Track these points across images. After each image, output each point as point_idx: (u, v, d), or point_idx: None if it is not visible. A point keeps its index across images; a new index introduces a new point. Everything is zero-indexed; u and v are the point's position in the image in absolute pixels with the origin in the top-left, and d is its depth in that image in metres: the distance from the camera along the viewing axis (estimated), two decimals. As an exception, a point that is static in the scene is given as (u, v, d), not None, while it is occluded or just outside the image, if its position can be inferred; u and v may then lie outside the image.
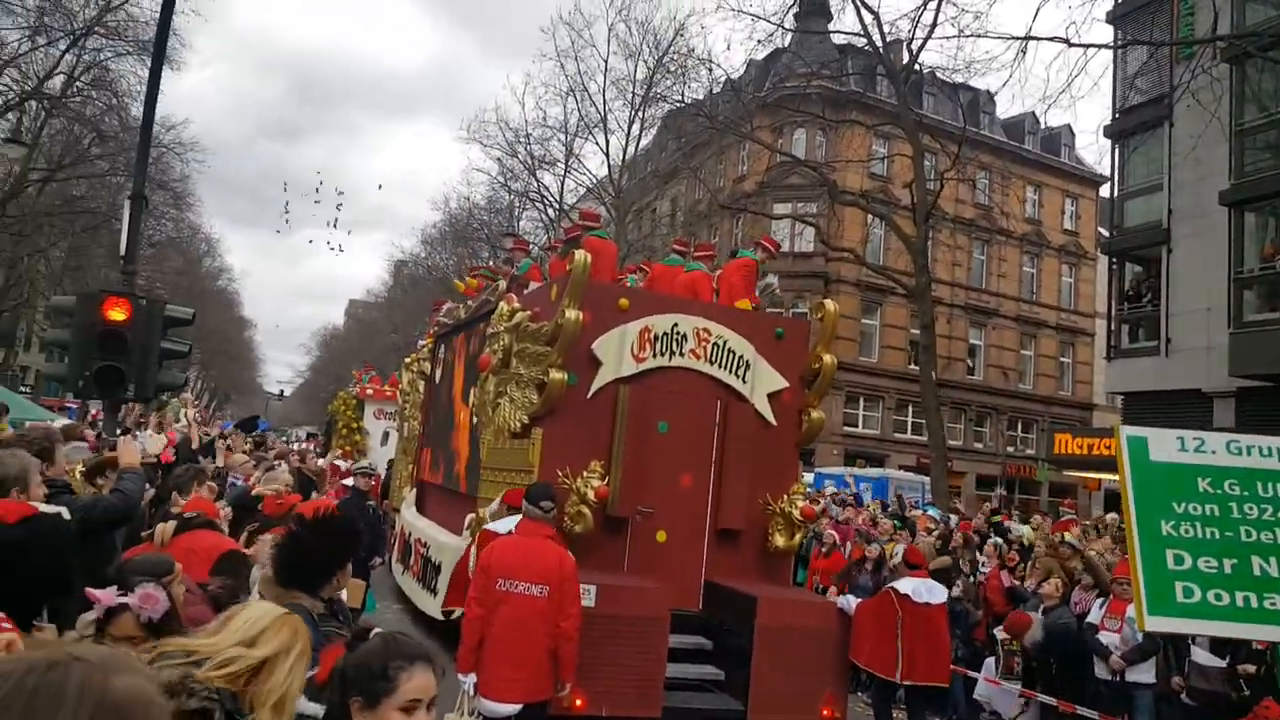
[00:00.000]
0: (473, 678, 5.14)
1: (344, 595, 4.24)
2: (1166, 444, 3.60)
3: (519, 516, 6.03)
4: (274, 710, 2.05)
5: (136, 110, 23.36)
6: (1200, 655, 7.20)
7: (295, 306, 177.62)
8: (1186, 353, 18.17)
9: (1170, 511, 3.44)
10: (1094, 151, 45.80)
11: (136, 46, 22.89)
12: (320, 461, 14.64)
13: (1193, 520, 3.45)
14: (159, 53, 9.01)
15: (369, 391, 21.68)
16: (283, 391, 69.75)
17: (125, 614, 2.56)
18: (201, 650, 2.06)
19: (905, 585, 7.46)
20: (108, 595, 2.56)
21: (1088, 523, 13.34)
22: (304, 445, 20.68)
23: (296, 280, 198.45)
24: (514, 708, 5.17)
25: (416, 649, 2.13)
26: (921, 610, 7.30)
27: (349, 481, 10.56)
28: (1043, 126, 36.00)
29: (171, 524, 4.13)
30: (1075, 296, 37.43)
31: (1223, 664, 7.01)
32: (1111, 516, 12.75)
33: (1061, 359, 37.15)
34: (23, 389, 34.82)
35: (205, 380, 59.60)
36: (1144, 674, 7.48)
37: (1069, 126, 37.84)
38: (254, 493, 6.58)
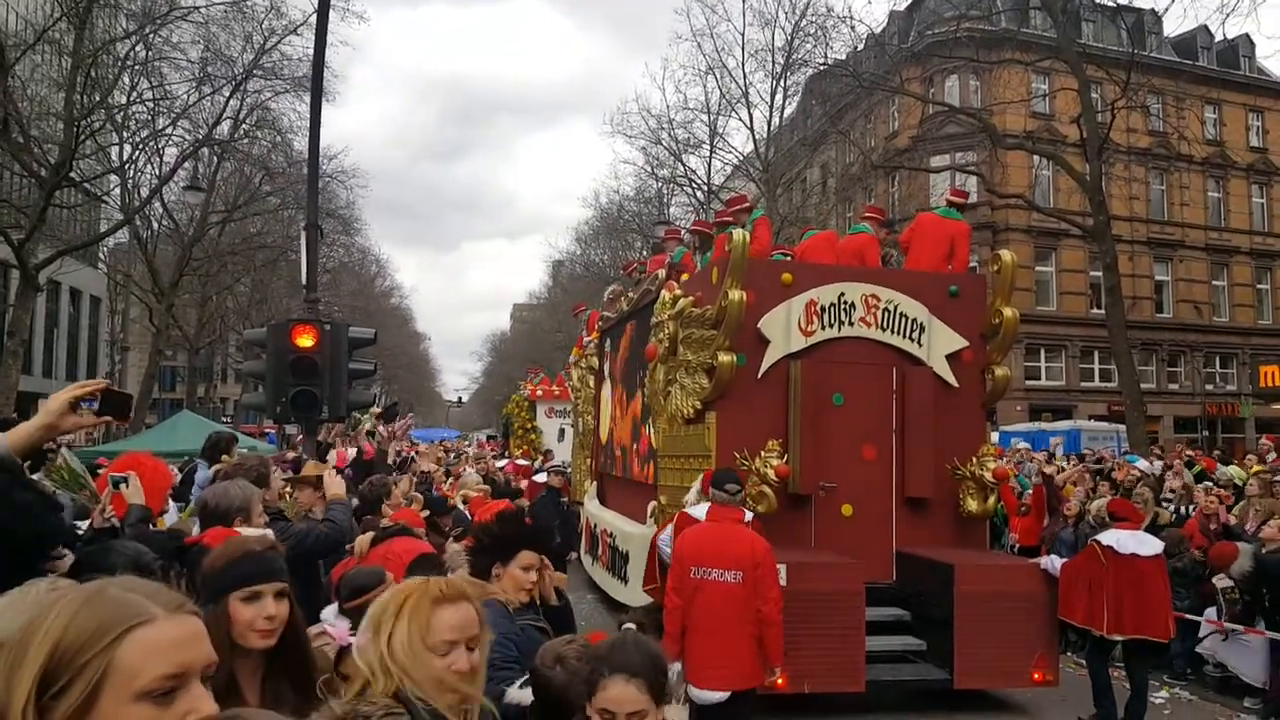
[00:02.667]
0: (678, 665, 5.18)
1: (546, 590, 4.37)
2: None
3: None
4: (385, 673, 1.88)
5: (299, 144, 25.09)
6: None
7: (464, 316, 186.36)
8: None
9: None
10: (1281, 57, 41.43)
11: (293, 84, 24.48)
12: (499, 463, 15.23)
13: None
14: (317, 86, 9.58)
15: (539, 393, 22.41)
16: (460, 398, 73.16)
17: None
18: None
19: (1109, 537, 7.03)
20: (341, 634, 2.70)
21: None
22: (480, 448, 21.64)
23: (463, 291, 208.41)
24: (722, 695, 5.14)
25: (628, 660, 2.11)
26: (1127, 561, 6.84)
27: (540, 478, 10.92)
28: (1217, 40, 32.78)
29: (369, 535, 4.34)
30: (1268, 218, 34.19)
31: None
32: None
33: (1259, 285, 34.05)
34: (224, 419, 38.15)
35: (389, 394, 63.37)
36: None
37: (1247, 36, 34.28)
38: (453, 501, 6.94)
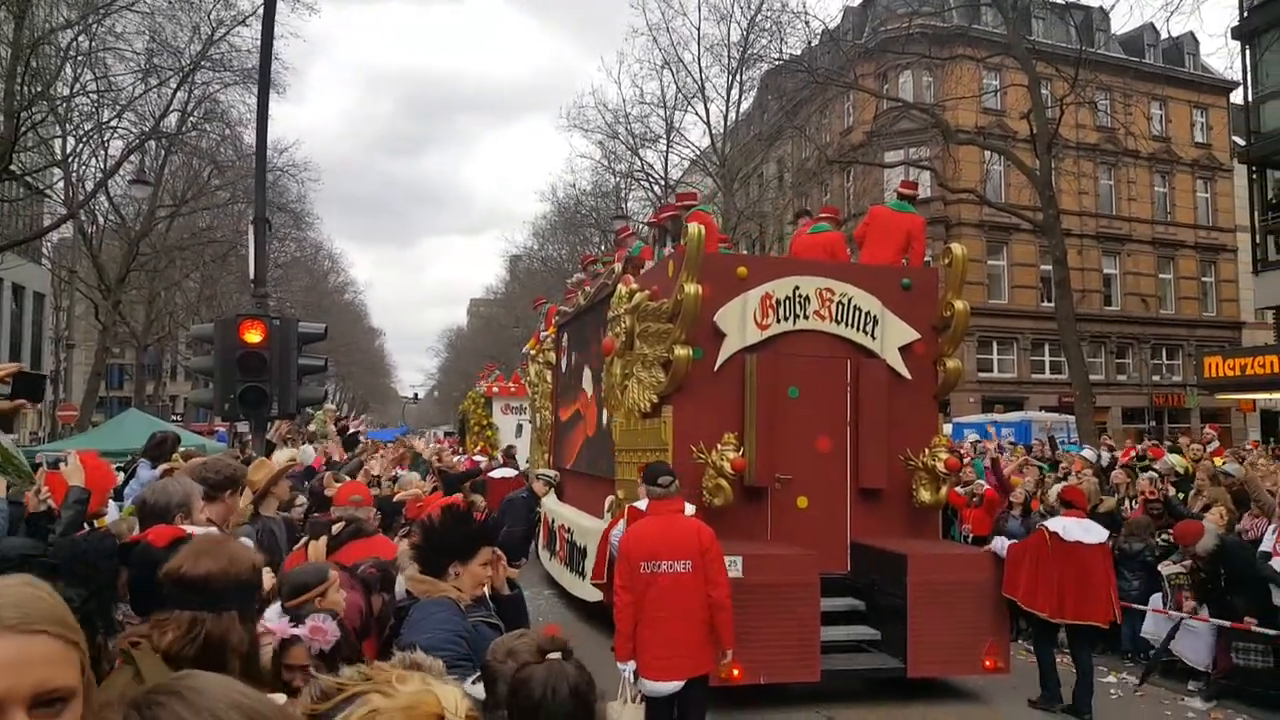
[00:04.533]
0: (632, 664, 5.16)
1: (500, 581, 4.31)
2: None
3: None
4: None
5: (249, 138, 24.53)
6: None
7: (421, 312, 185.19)
8: (1346, 258, 16.79)
9: None
10: (1222, 57, 42.51)
11: (242, 76, 23.91)
12: (456, 459, 15.11)
13: None
14: (264, 79, 9.38)
15: (494, 389, 22.33)
16: (417, 395, 72.53)
17: (298, 644, 2.67)
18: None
19: (1056, 524, 7.26)
20: (282, 627, 2.68)
21: (1253, 449, 12.50)
22: (441, 444, 21.48)
23: (420, 287, 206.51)
24: (678, 685, 5.18)
25: (565, 713, 2.04)
26: (1073, 549, 7.05)
27: (498, 474, 10.80)
28: (1163, 37, 33.52)
29: (323, 541, 4.24)
30: (1213, 212, 35.07)
31: None
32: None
33: (1203, 279, 34.92)
34: (174, 417, 37.40)
35: (343, 391, 62.53)
36: (1325, 600, 7.05)
37: (1192, 34, 35.18)
38: (395, 498, 6.84)
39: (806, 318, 8.32)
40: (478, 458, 16.28)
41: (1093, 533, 7.26)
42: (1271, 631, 7.22)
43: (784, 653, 6.91)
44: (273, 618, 2.89)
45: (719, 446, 7.76)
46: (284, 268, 37.35)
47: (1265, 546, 7.42)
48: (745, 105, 30.66)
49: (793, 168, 32.33)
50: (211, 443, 17.56)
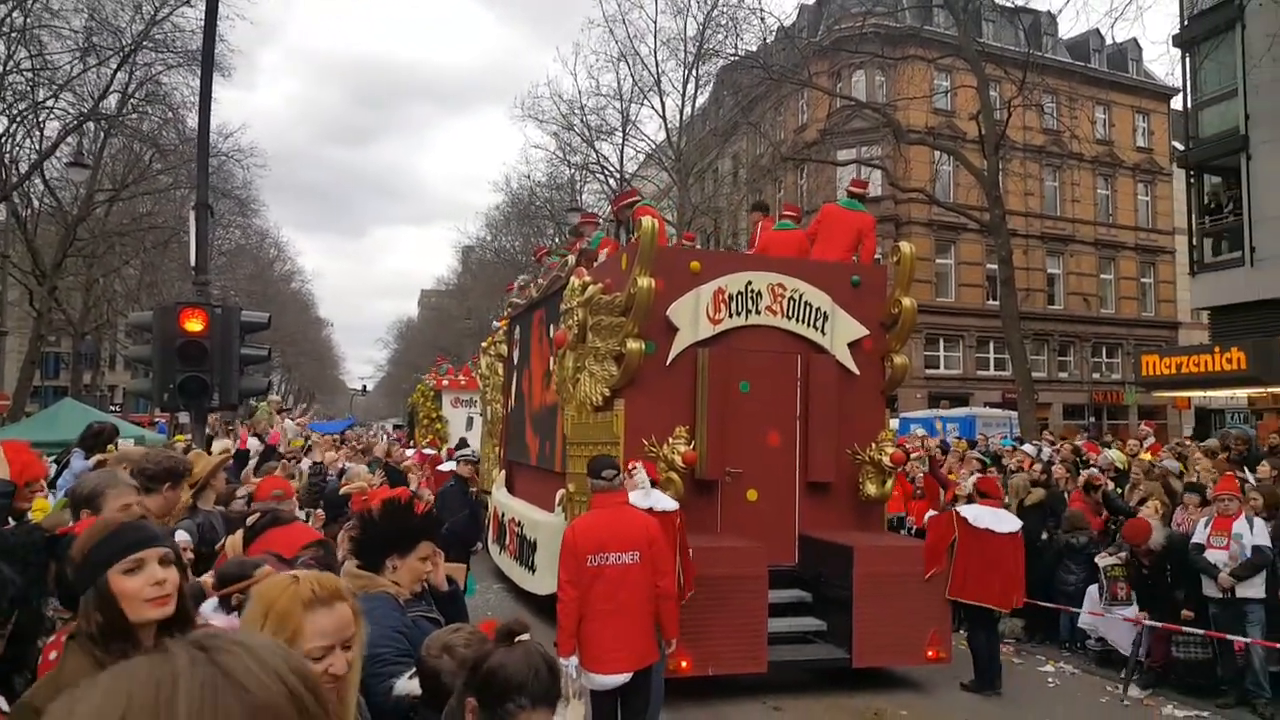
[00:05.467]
0: (574, 659, 5.11)
1: (439, 579, 4.25)
2: None
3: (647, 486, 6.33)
4: None
5: (193, 121, 23.94)
6: None
7: (371, 303, 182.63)
8: (1273, 260, 17.56)
9: None
10: (1164, 64, 43.68)
11: (186, 57, 23.24)
12: (407, 453, 14.95)
13: None
14: (208, 60, 9.14)
15: (444, 383, 22.14)
16: (365, 387, 71.53)
17: None
18: None
19: (968, 510, 7.72)
20: (229, 624, 2.62)
21: (1188, 442, 12.90)
22: (392, 437, 21.26)
23: (371, 277, 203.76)
24: (625, 677, 5.16)
25: (549, 692, 2.07)
26: (981, 534, 7.47)
27: (447, 467, 10.70)
28: (1108, 43, 34.36)
29: (239, 534, 4.09)
30: (1153, 215, 36.03)
31: None
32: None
33: (1143, 280, 35.88)
34: (112, 408, 36.38)
35: (289, 382, 61.43)
36: (1254, 589, 7.35)
37: (1135, 40, 36.10)
38: (340, 491, 6.74)
39: (758, 313, 8.37)
40: (427, 450, 16.10)
41: (1005, 522, 7.68)
42: (1199, 632, 7.49)
43: (732, 645, 6.97)
44: (209, 611, 2.84)
45: (670, 440, 7.78)
46: (228, 255, 36.53)
47: (1197, 539, 7.67)
48: (701, 100, 30.73)
49: (748, 164, 32.48)
50: (151, 434, 17.14)
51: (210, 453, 6.21)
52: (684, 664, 6.52)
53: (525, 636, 2.15)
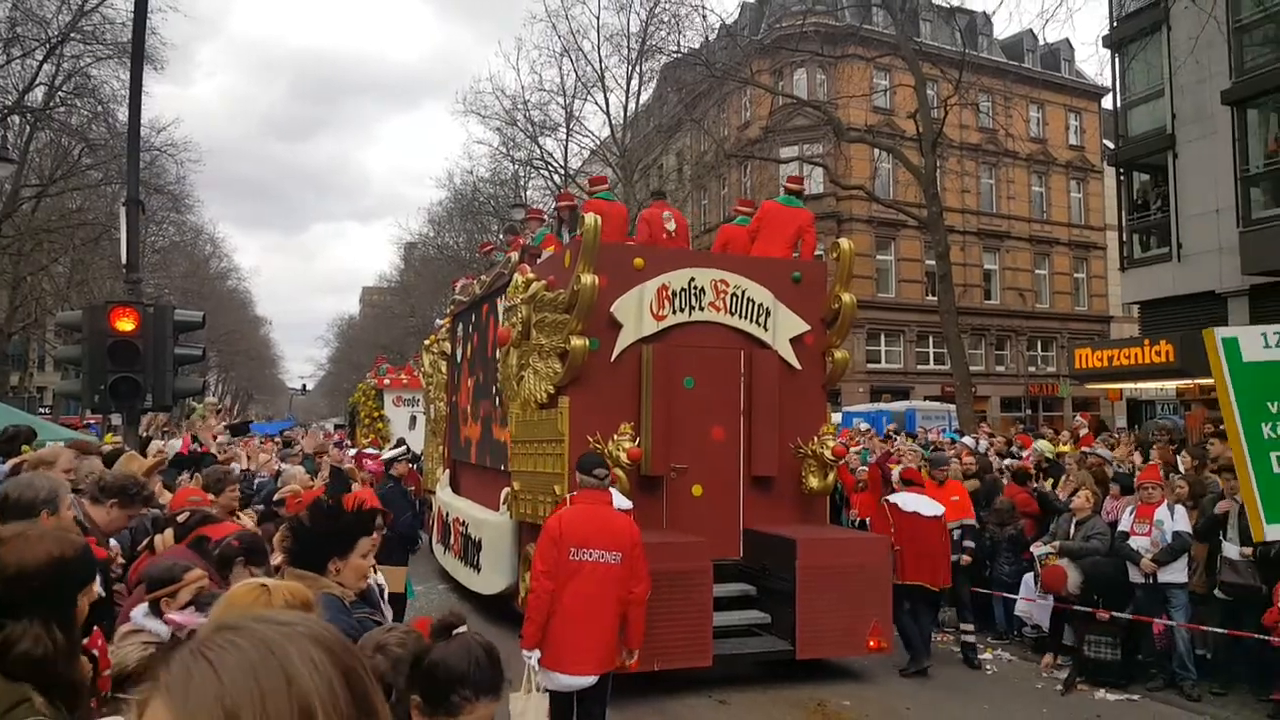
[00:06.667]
0: (537, 653, 4.98)
1: (380, 581, 4.21)
2: (1254, 343, 3.47)
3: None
4: None
5: (124, 115, 23.19)
6: (1231, 550, 7.33)
7: (312, 300, 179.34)
8: (1199, 256, 18.15)
9: (1267, 412, 3.32)
10: (1094, 63, 44.94)
11: (116, 50, 22.52)
12: (348, 453, 14.69)
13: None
14: (138, 52, 8.86)
15: (386, 381, 21.84)
16: (305, 386, 70.07)
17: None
18: None
19: (895, 497, 8.31)
20: (189, 618, 2.56)
21: (1122, 434, 13.32)
22: (334, 438, 20.85)
23: (311, 274, 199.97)
24: (589, 680, 5.04)
25: (492, 681, 2.06)
26: (909, 518, 8.07)
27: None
28: (1041, 43, 35.25)
29: (169, 532, 4.00)
30: (1085, 211, 37.11)
31: (1252, 557, 7.11)
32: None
33: (1076, 275, 36.93)
34: (41, 410, 35.11)
35: (226, 382, 59.98)
36: (1176, 574, 7.61)
37: (1067, 41, 37.13)
38: (276, 496, 6.58)
39: (702, 309, 8.42)
40: (369, 450, 15.85)
41: (929, 507, 8.16)
42: (1125, 617, 7.72)
43: (678, 640, 7.00)
44: (139, 616, 2.78)
45: (615, 437, 7.78)
46: (162, 253, 35.50)
47: (1123, 526, 7.92)
48: (645, 96, 30.74)
49: (692, 160, 32.62)
50: (82, 437, 16.59)
51: (146, 456, 6.05)
52: (631, 661, 6.53)
53: (462, 629, 2.13)
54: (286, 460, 10.42)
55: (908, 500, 8.23)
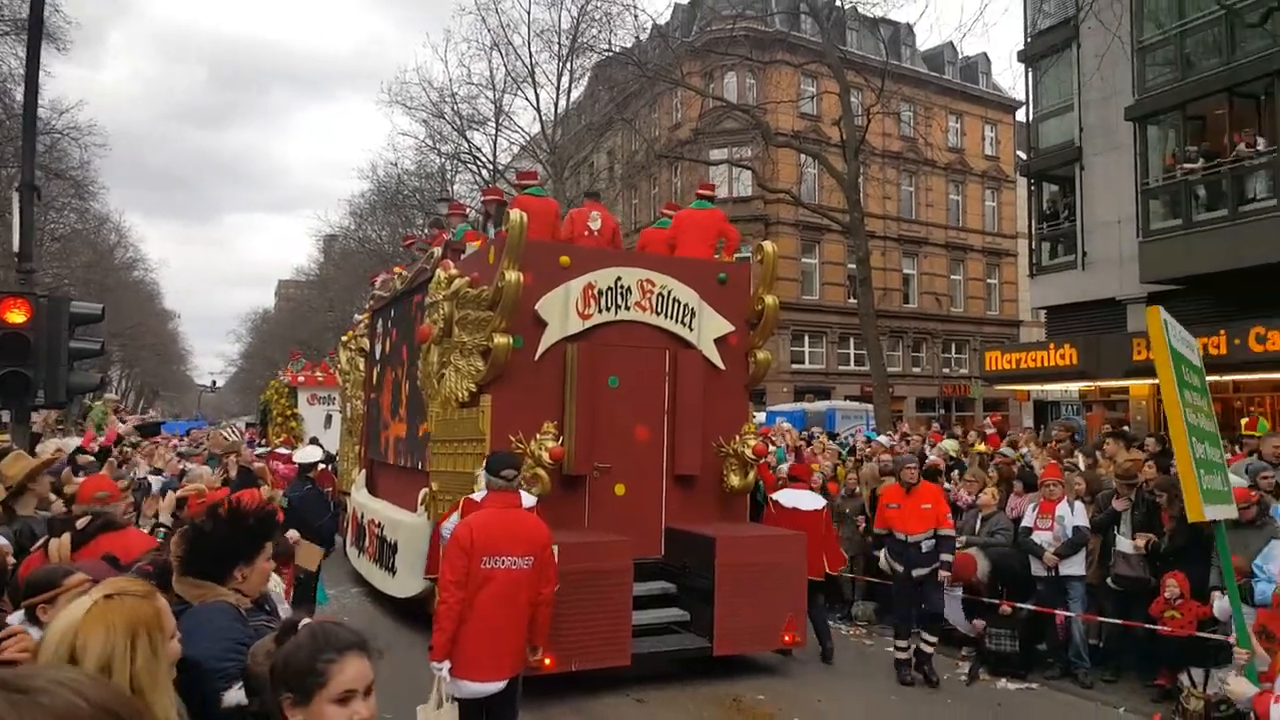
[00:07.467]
0: (448, 664, 4.83)
1: (275, 586, 4.05)
2: (1175, 333, 3.63)
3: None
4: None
5: (21, 95, 22.00)
6: (1124, 545, 7.71)
7: (225, 294, 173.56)
8: (1102, 264, 19.01)
9: (1186, 401, 3.47)
10: (1009, 77, 46.49)
11: (14, 26, 21.40)
12: (257, 452, 14.23)
13: (1190, 407, 3.48)
14: (35, 27, 8.41)
15: (300, 379, 21.20)
16: (214, 383, 67.58)
17: None
18: None
19: (780, 495, 8.76)
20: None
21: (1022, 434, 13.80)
22: (245, 437, 20.12)
23: (224, 266, 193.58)
24: (499, 685, 4.92)
25: (347, 637, 2.00)
26: (792, 513, 8.46)
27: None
28: (961, 56, 36.41)
29: (66, 538, 3.69)
30: (998, 219, 38.38)
31: (1144, 551, 7.52)
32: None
33: (989, 281, 38.17)
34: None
35: (129, 378, 57.61)
36: (1075, 567, 7.97)
37: (985, 54, 38.43)
38: (177, 495, 6.27)
39: (628, 308, 8.40)
40: (281, 450, 15.39)
41: (808, 501, 8.61)
42: (1028, 607, 8.03)
43: (597, 639, 6.97)
44: (17, 622, 2.61)
45: (538, 436, 7.70)
46: (62, 241, 33.86)
47: (1027, 521, 8.22)
48: (577, 94, 30.63)
49: (622, 159, 32.62)
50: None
51: (36, 454, 5.73)
52: (547, 661, 6.47)
53: (305, 622, 2.10)
54: (190, 459, 10.00)
55: (788, 496, 8.67)
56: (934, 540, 7.79)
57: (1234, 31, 15.92)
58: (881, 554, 8.32)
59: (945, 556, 7.80)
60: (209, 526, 2.94)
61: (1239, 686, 3.35)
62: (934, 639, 7.98)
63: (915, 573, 7.78)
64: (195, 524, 3.01)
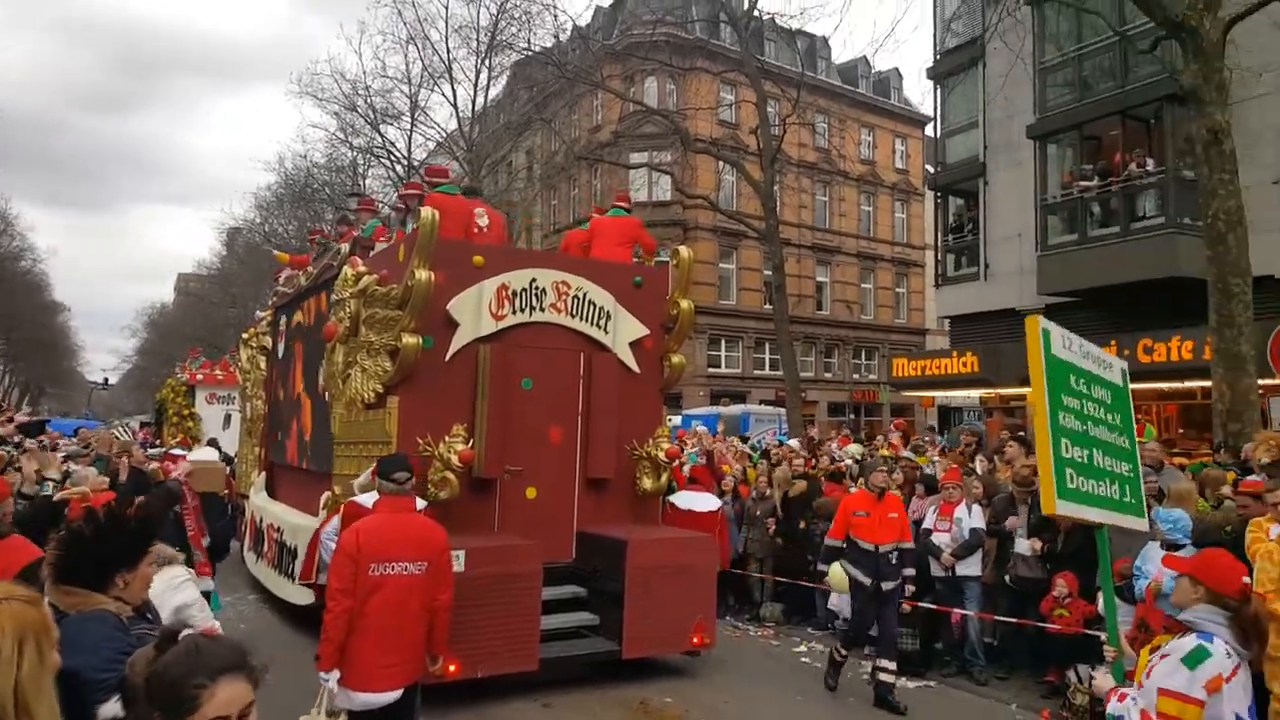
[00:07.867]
0: (336, 674, 4.68)
1: (150, 592, 3.85)
2: (1059, 341, 3.82)
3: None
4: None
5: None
6: (1022, 546, 7.99)
7: (121, 287, 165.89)
8: (1002, 276, 19.81)
9: (1061, 403, 3.65)
10: (919, 93, 47.96)
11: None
12: (151, 452, 13.58)
13: (1069, 411, 3.67)
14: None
15: (199, 377, 20.40)
16: (107, 380, 64.48)
17: None
18: None
19: (675, 497, 8.98)
20: None
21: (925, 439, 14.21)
22: (138, 437, 19.22)
23: (120, 258, 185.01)
24: (394, 695, 4.78)
25: (224, 658, 1.91)
26: (685, 515, 8.74)
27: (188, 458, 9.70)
28: (874, 70, 37.37)
29: None
30: (907, 231, 39.53)
31: (1040, 552, 7.78)
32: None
33: (897, 290, 39.27)
34: None
35: (13, 374, 54.59)
36: (972, 568, 8.26)
37: (897, 70, 39.55)
38: (57, 497, 5.89)
39: (543, 310, 8.32)
40: (177, 450, 14.76)
41: (703, 503, 8.93)
42: (930, 605, 8.26)
43: (504, 644, 6.88)
44: None
45: (447, 439, 7.55)
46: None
47: (927, 523, 8.48)
48: (495, 91, 30.30)
49: (542, 159, 32.40)
50: None
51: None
52: (452, 668, 6.33)
53: (185, 633, 2.01)
54: (76, 460, 9.46)
55: (683, 498, 8.89)
56: (897, 553, 7.42)
57: (1127, 57, 16.77)
58: (835, 565, 7.70)
59: (908, 571, 7.52)
60: (88, 530, 2.77)
61: (1102, 682, 3.54)
62: (893, 666, 7.42)
63: (885, 585, 7.32)
64: (73, 529, 2.84)
